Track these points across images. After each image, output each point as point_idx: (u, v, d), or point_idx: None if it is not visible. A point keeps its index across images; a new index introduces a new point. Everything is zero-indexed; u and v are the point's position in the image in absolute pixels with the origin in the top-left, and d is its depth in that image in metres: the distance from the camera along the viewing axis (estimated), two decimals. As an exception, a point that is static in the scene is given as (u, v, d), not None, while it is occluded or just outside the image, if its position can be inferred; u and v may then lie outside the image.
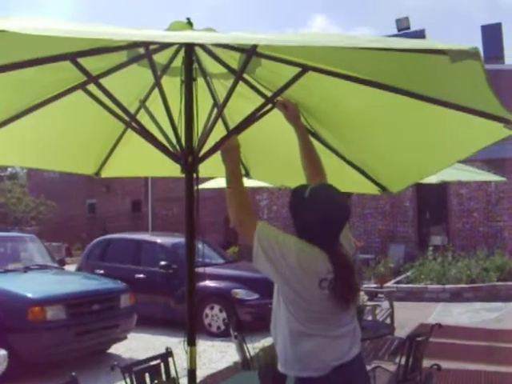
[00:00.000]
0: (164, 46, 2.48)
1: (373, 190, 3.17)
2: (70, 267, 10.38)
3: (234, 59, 2.55)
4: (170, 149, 2.45)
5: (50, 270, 7.47)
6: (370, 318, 6.78)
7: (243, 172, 3.16)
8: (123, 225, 20.74)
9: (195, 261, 2.49)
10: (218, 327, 8.10)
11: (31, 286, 6.38)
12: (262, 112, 2.50)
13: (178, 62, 2.55)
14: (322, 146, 2.87)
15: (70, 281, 7.49)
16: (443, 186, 13.08)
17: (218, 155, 2.41)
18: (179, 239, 8.98)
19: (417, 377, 3.75)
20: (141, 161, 3.33)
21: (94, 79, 2.40)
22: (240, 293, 8.09)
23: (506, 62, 16.75)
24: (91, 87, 2.47)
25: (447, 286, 10.61)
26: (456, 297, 10.31)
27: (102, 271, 8.91)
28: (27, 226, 21.78)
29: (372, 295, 9.26)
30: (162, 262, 8.64)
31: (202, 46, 2.54)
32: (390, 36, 11.76)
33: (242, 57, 2.44)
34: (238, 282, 8.28)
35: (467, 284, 10.61)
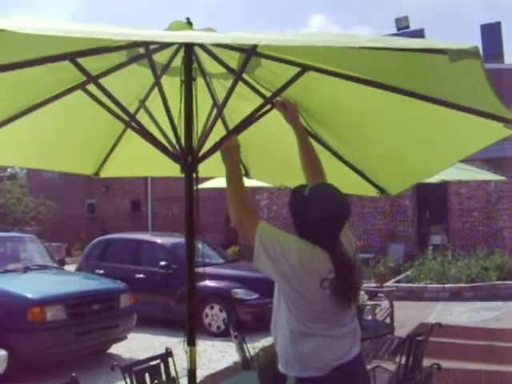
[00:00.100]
0: (164, 45, 2.48)
1: (371, 192, 3.16)
2: (70, 267, 10.37)
3: (233, 59, 2.55)
4: (170, 149, 2.45)
5: (49, 270, 7.46)
6: (369, 317, 6.78)
7: (243, 172, 3.16)
8: (123, 225, 20.72)
9: (195, 261, 2.49)
10: (218, 327, 8.10)
11: (31, 286, 6.37)
12: (261, 112, 2.50)
13: (178, 61, 2.55)
14: (321, 148, 2.86)
15: (70, 281, 7.48)
16: (443, 186, 13.06)
17: (217, 155, 2.41)
18: (179, 239, 8.98)
19: (417, 376, 3.75)
20: (140, 161, 3.33)
21: (93, 79, 2.40)
22: (240, 292, 8.08)
23: (505, 61, 16.74)
24: (91, 87, 2.47)
25: (447, 286, 10.60)
26: (456, 296, 10.29)
27: (101, 271, 8.90)
28: (27, 226, 21.77)
29: (372, 295, 9.25)
30: (162, 262, 8.63)
31: (202, 46, 2.54)
32: (389, 35, 11.74)
33: (241, 57, 2.44)
34: (238, 282, 8.26)
35: (467, 283, 10.60)
